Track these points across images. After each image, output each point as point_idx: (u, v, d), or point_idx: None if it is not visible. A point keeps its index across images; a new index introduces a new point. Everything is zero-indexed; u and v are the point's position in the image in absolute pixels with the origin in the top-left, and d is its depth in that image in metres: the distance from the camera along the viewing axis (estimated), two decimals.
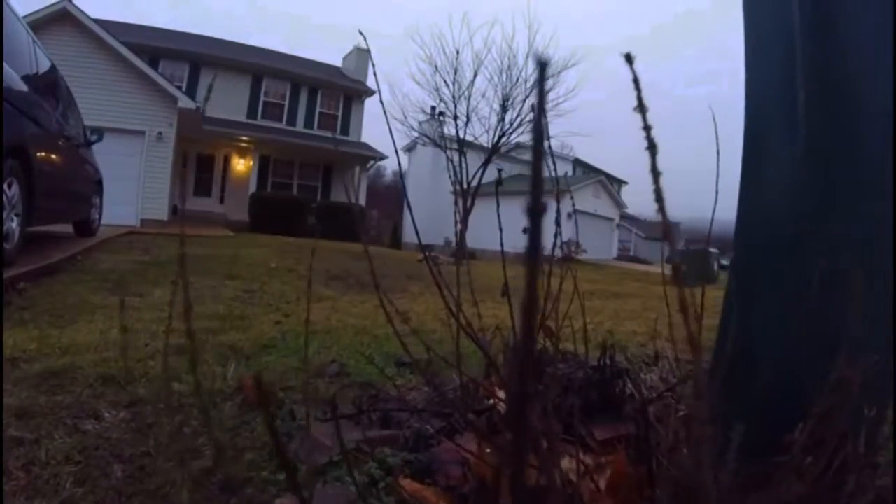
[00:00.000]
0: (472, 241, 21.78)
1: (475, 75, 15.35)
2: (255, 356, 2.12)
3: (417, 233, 1.07)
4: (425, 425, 1.15)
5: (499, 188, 1.58)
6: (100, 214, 8.63)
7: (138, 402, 1.55)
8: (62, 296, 3.70)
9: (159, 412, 1.44)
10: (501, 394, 1.07)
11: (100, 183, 8.43)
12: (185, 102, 14.02)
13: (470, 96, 15.32)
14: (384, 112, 1.17)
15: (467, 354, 1.33)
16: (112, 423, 1.43)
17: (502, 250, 1.00)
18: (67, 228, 7.52)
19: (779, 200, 0.94)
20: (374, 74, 1.15)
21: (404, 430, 1.13)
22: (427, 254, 0.99)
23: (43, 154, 4.86)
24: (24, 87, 4.45)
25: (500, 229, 1.07)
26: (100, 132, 8.04)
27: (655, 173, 0.40)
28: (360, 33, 1.25)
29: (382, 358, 2.24)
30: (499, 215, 1.04)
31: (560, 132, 21.05)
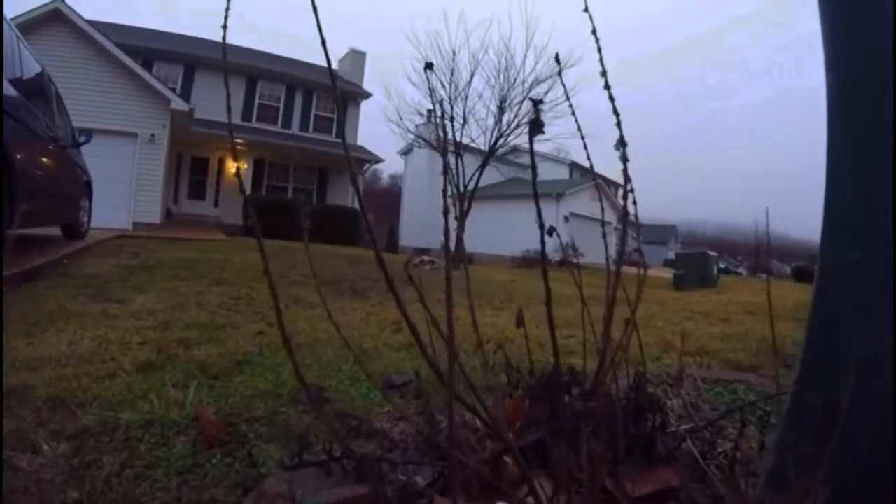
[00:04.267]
0: (469, 245, 21.48)
1: (472, 76, 15.03)
2: (225, 375, 1.90)
3: (374, 239, 0.86)
4: (413, 477, 0.94)
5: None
6: (89, 217, 8.40)
7: (83, 432, 1.34)
8: (40, 302, 3.51)
9: (103, 447, 1.23)
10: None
11: (89, 185, 8.21)
12: (178, 104, 13.79)
13: (466, 97, 14.99)
14: (337, 122, 0.97)
15: (469, 363, 1.12)
16: (49, 459, 1.22)
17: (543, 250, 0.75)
18: (56, 231, 7.30)
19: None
20: (336, 100, 0.95)
21: (386, 485, 0.91)
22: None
23: (24, 155, 4.65)
24: (9, 89, 4.28)
25: (539, 210, 0.81)
26: (88, 133, 7.83)
27: None
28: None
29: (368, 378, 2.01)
30: (535, 187, 0.80)
31: (558, 134, 20.81)
